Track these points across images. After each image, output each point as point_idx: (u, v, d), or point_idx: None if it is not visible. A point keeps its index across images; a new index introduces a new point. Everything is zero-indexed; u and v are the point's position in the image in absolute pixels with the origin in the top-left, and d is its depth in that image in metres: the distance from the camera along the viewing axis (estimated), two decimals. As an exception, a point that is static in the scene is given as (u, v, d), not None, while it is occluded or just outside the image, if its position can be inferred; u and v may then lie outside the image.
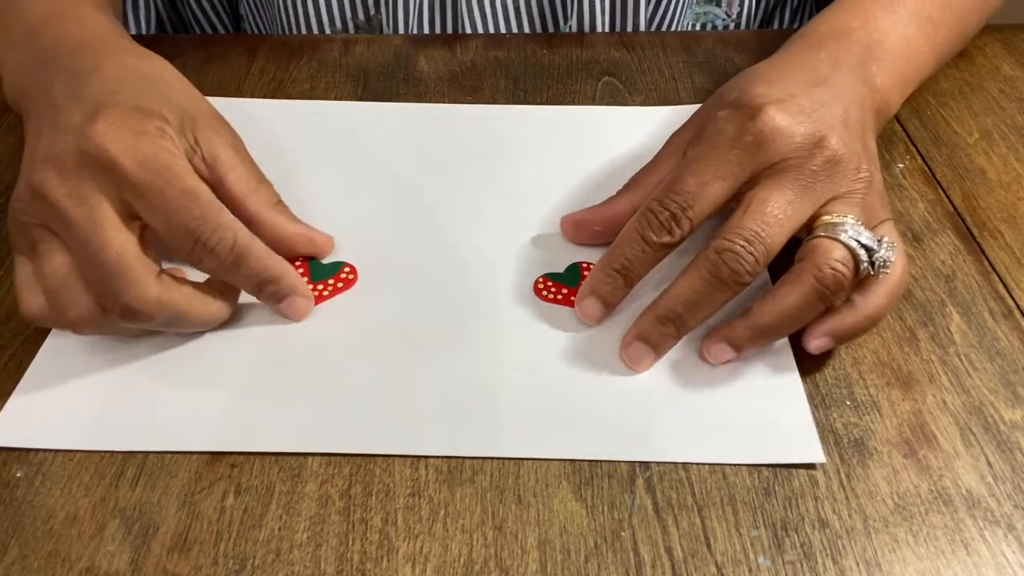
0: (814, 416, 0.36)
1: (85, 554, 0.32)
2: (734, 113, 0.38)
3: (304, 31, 0.62)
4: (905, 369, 0.38)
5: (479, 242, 0.45)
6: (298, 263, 0.42)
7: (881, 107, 0.44)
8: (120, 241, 0.35)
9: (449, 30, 0.63)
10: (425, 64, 0.59)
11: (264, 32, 0.66)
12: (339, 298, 0.42)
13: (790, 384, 0.38)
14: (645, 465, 0.35)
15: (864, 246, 0.36)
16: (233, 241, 0.37)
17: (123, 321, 0.36)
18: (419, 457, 0.35)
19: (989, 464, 0.35)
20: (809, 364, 0.39)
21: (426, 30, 0.63)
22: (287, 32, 0.63)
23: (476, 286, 0.42)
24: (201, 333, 0.40)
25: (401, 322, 0.41)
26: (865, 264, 0.36)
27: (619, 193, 0.43)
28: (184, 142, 0.38)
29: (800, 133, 0.38)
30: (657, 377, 0.38)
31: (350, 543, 0.32)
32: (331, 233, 0.44)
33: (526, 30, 0.63)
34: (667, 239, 0.38)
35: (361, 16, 0.62)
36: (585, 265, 0.43)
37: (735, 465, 0.35)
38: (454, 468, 0.35)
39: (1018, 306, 0.41)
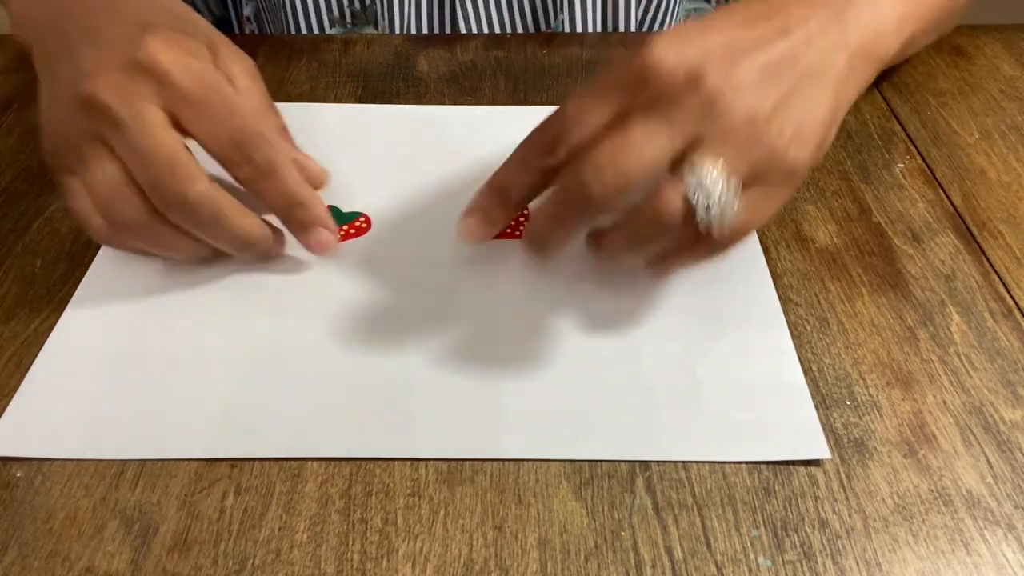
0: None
1: (85, 554, 0.32)
2: (633, 50, 0.36)
3: (302, 18, 0.62)
4: (905, 369, 0.38)
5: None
6: None
7: (866, 44, 0.40)
8: (173, 139, 0.37)
9: (447, 22, 0.63)
10: (425, 64, 0.59)
11: (267, 26, 0.66)
12: (334, 298, 0.42)
13: (793, 381, 0.38)
14: (645, 465, 0.35)
15: (705, 196, 0.34)
16: (270, 151, 0.39)
17: (174, 213, 0.38)
18: (419, 457, 0.35)
19: (989, 464, 0.35)
20: (809, 364, 0.39)
21: (424, 20, 0.63)
22: (288, 22, 0.63)
23: (473, 287, 0.42)
24: (201, 332, 0.40)
25: (397, 323, 0.41)
26: (701, 215, 0.35)
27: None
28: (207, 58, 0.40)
29: (679, 69, 0.35)
30: (659, 375, 0.38)
31: (350, 543, 0.32)
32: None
33: (518, 26, 0.63)
34: (546, 162, 0.37)
35: (357, 4, 0.62)
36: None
37: (735, 465, 0.35)
38: (454, 468, 0.35)
39: (1018, 306, 0.41)
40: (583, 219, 0.37)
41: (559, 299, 0.42)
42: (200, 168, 0.38)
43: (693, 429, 0.36)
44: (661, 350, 0.39)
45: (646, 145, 0.35)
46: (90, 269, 0.43)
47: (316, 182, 0.44)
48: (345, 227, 0.45)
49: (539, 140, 0.38)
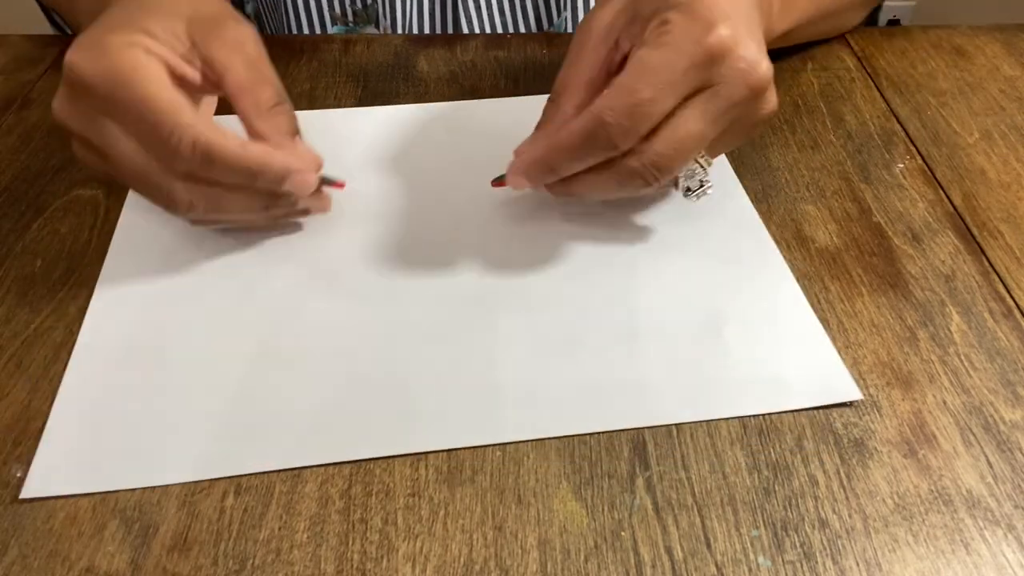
0: (814, 416, 0.36)
1: (85, 554, 0.32)
2: (690, 22, 0.37)
3: (304, 16, 0.62)
4: (905, 369, 0.38)
5: (471, 227, 0.45)
6: None
7: (766, 24, 0.43)
8: (141, 157, 0.38)
9: (449, 22, 0.63)
10: (425, 64, 0.59)
11: (270, 25, 0.66)
12: (331, 293, 0.42)
13: (810, 329, 0.39)
14: (645, 465, 0.35)
15: (689, 188, 0.41)
16: (193, 141, 0.36)
17: (183, 219, 0.40)
18: (419, 457, 0.35)
19: (989, 464, 0.35)
20: (809, 364, 0.39)
21: (426, 18, 0.63)
22: (290, 20, 0.63)
23: (467, 272, 0.43)
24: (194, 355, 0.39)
25: (392, 314, 0.41)
26: (682, 190, 0.41)
27: (559, 102, 0.41)
28: (177, 47, 0.39)
29: (758, 76, 0.37)
30: (675, 338, 0.39)
31: (350, 543, 0.32)
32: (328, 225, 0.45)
33: (520, 24, 0.63)
34: (612, 153, 0.38)
35: (359, 3, 0.62)
36: None
37: (735, 464, 0.35)
38: (454, 468, 0.35)
39: (1018, 306, 0.41)
40: (628, 189, 0.39)
41: (557, 282, 0.42)
42: (169, 173, 0.38)
43: (719, 388, 0.37)
44: (673, 316, 0.40)
45: (706, 133, 0.38)
46: (95, 294, 0.42)
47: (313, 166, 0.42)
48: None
49: (611, 133, 0.37)
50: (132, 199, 0.47)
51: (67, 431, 0.36)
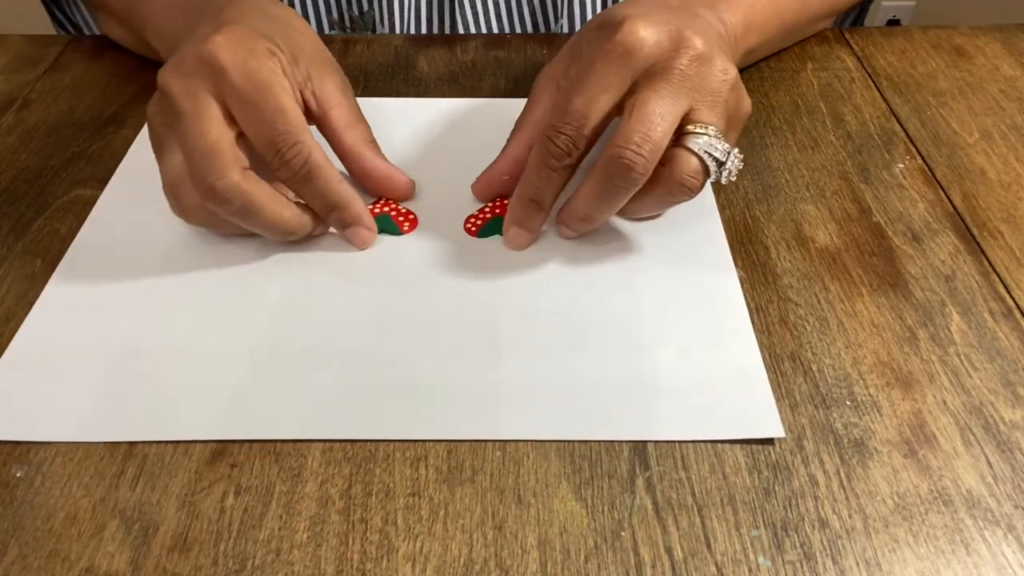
0: (814, 416, 0.36)
1: (85, 554, 0.32)
2: (601, 32, 0.41)
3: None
4: (905, 369, 0.38)
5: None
6: (381, 202, 0.47)
7: (729, 42, 0.46)
8: (217, 132, 0.40)
9: (446, 28, 0.63)
10: (425, 64, 0.59)
11: None
12: (335, 280, 0.42)
13: (751, 362, 0.38)
14: (645, 465, 0.35)
15: (716, 159, 0.40)
16: (307, 158, 0.41)
17: (208, 203, 0.40)
18: (419, 457, 0.35)
19: (989, 464, 0.35)
20: (809, 364, 0.39)
21: (423, 26, 0.63)
22: None
23: (471, 271, 0.43)
24: (206, 314, 0.40)
25: (396, 307, 0.41)
26: (714, 174, 0.40)
27: (510, 139, 0.46)
28: (297, 74, 0.44)
29: (664, 37, 0.40)
30: (622, 359, 0.38)
31: (350, 543, 0.32)
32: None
33: (518, 29, 0.63)
34: (568, 161, 0.41)
35: (356, 10, 0.62)
36: (497, 202, 0.47)
37: (735, 464, 0.35)
38: (454, 468, 0.35)
39: (1018, 306, 0.41)
40: (628, 194, 0.40)
41: (546, 287, 0.42)
42: (239, 160, 0.40)
43: (651, 409, 0.36)
44: (629, 334, 0.40)
45: (666, 113, 0.39)
46: (67, 256, 0.44)
47: (400, 192, 0.47)
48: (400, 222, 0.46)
49: (557, 143, 0.40)
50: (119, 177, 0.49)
51: (25, 375, 0.38)
